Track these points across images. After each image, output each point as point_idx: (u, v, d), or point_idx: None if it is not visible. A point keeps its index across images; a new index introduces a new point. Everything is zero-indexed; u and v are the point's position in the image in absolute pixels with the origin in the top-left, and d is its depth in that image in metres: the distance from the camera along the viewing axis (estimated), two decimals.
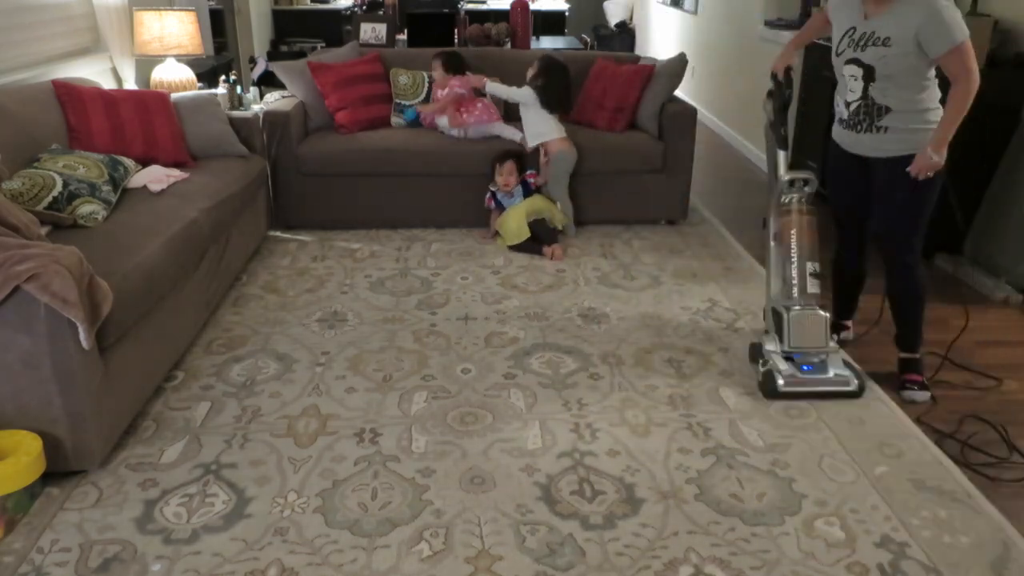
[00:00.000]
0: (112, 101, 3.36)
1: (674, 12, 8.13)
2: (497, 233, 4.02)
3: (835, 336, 2.99)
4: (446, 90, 4.18)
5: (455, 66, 4.25)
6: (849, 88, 2.57)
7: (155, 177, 3.13)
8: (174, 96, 3.62)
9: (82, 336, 2.02)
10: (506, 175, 3.89)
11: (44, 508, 2.09)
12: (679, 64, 4.18)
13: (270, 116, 3.93)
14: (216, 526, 2.02)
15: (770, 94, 2.80)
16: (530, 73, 4.02)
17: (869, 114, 2.54)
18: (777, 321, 2.65)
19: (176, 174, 3.23)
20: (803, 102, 5.09)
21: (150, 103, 3.44)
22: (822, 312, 2.60)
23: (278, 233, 4.13)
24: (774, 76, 2.81)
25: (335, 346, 2.96)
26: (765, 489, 2.18)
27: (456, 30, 6.54)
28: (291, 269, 3.68)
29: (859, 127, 2.59)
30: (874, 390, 2.66)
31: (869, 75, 2.48)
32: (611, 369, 2.81)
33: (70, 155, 2.91)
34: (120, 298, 2.22)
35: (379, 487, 2.17)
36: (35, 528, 2.02)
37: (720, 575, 1.89)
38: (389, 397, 2.62)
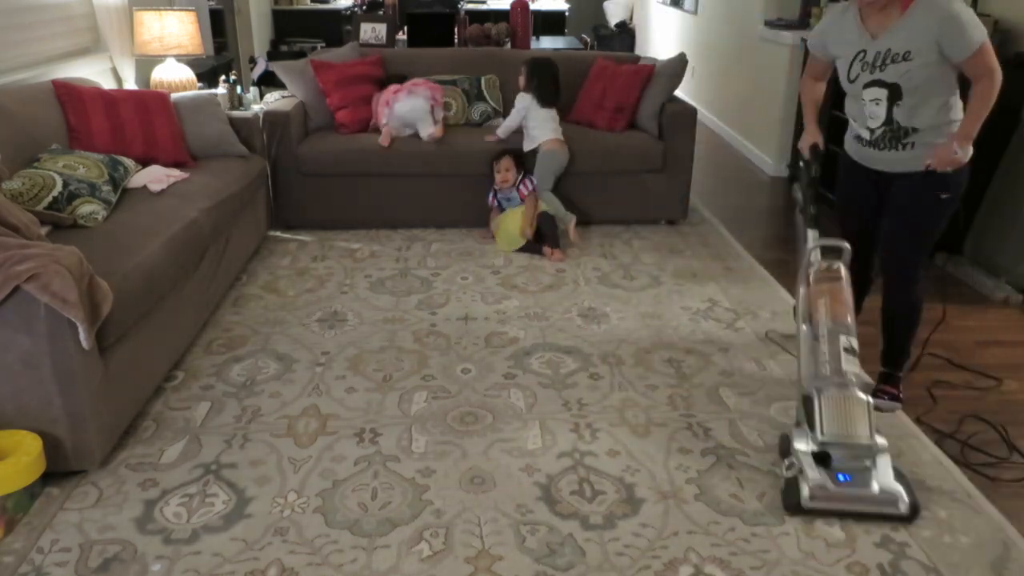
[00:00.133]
0: (112, 101, 3.36)
1: (674, 12, 8.13)
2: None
3: None
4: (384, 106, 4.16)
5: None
6: (869, 115, 2.44)
7: (155, 177, 3.14)
8: (174, 96, 3.62)
9: (82, 336, 2.02)
10: (503, 171, 3.89)
11: (44, 508, 2.09)
12: (679, 64, 4.18)
13: (270, 116, 3.93)
14: (216, 526, 2.02)
15: (798, 176, 2.63)
16: (522, 82, 4.08)
17: (896, 136, 2.43)
18: (807, 408, 2.16)
19: (176, 174, 3.23)
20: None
21: (150, 103, 3.44)
22: (862, 395, 2.10)
23: (278, 233, 4.13)
24: (801, 157, 2.68)
25: (335, 346, 2.96)
26: (765, 489, 2.18)
27: (456, 30, 6.54)
28: (291, 269, 3.68)
29: (881, 145, 2.47)
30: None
31: (895, 94, 2.36)
32: (611, 369, 2.81)
33: (70, 155, 2.91)
34: (120, 298, 2.22)
35: (379, 487, 2.17)
36: (35, 528, 2.02)
37: (720, 575, 1.89)
38: (389, 397, 2.62)
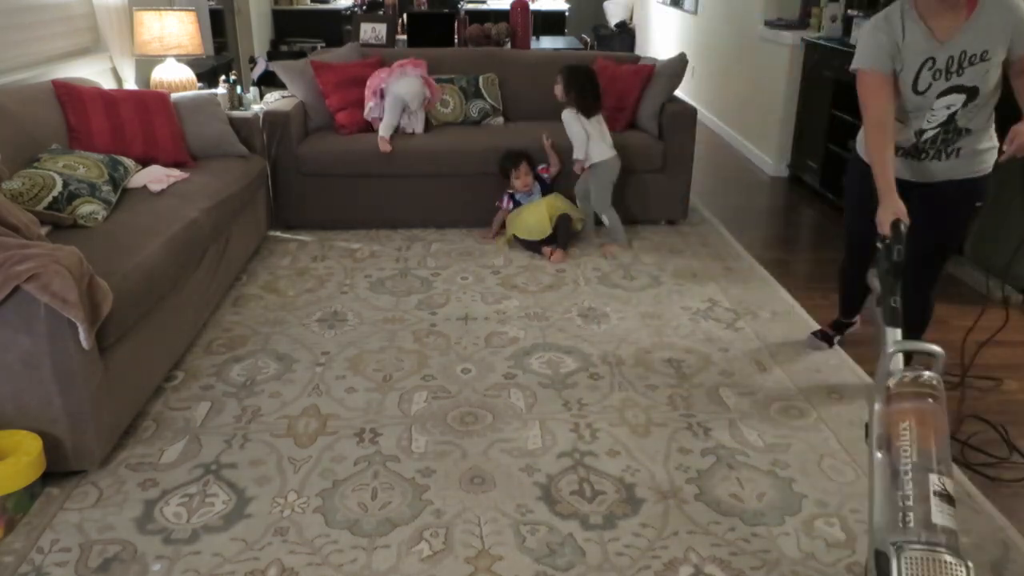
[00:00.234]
0: (112, 101, 3.36)
1: (674, 12, 8.13)
2: (500, 232, 4.01)
3: (839, 336, 3.00)
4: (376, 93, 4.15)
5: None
6: (927, 119, 2.32)
7: (155, 177, 3.14)
8: (174, 96, 3.62)
9: (82, 336, 2.02)
10: (523, 176, 3.88)
11: (44, 508, 2.09)
12: (679, 64, 4.18)
13: (270, 116, 3.93)
14: (216, 526, 2.02)
15: (876, 260, 2.13)
16: (559, 92, 3.86)
17: (947, 140, 2.34)
18: (882, 570, 1.57)
19: (176, 174, 3.23)
20: (803, 103, 5.10)
21: (150, 103, 3.44)
22: (958, 561, 1.48)
23: (278, 233, 4.13)
24: (880, 238, 2.15)
25: (335, 346, 2.96)
26: (765, 489, 2.18)
27: (456, 30, 6.55)
28: (291, 269, 3.68)
29: (926, 155, 2.39)
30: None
31: (972, 98, 2.25)
32: (611, 369, 2.81)
33: (70, 155, 2.91)
34: (120, 298, 2.22)
35: (379, 487, 2.17)
36: (35, 528, 2.02)
37: (720, 575, 1.89)
38: (389, 397, 2.62)
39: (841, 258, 2.91)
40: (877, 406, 1.76)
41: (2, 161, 2.61)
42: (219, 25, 6.35)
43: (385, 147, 3.98)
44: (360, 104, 4.18)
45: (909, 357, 1.91)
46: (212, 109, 3.65)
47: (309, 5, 7.78)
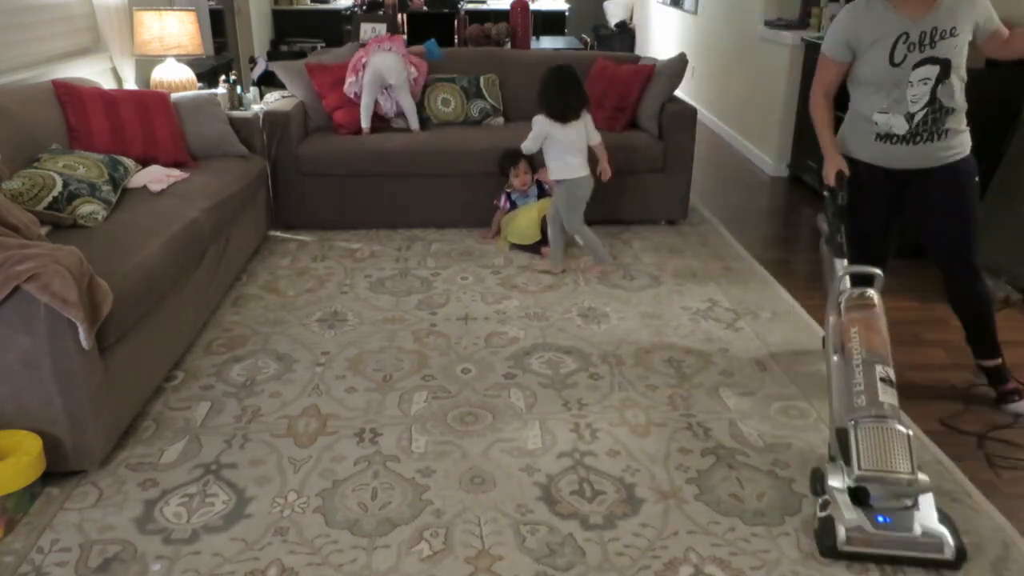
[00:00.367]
0: (112, 101, 3.36)
1: (674, 12, 8.13)
2: (499, 232, 4.01)
3: None
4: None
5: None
6: (912, 98, 2.45)
7: (155, 177, 3.14)
8: (174, 96, 3.62)
9: (82, 336, 2.02)
10: (522, 175, 3.88)
11: (44, 508, 2.09)
12: (679, 64, 4.18)
13: (270, 116, 3.93)
14: (216, 526, 2.02)
15: (823, 207, 2.53)
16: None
17: (937, 120, 2.46)
18: (842, 441, 2.00)
19: (176, 174, 3.23)
20: (803, 103, 5.09)
21: (150, 103, 3.44)
22: (901, 427, 1.95)
23: (278, 233, 4.13)
24: (826, 187, 2.57)
25: (335, 346, 2.96)
26: (765, 489, 2.18)
27: (456, 30, 6.55)
28: (291, 269, 3.68)
29: (920, 137, 2.48)
30: None
31: (945, 71, 2.41)
32: (611, 369, 2.81)
33: (70, 155, 2.91)
34: (120, 298, 2.22)
35: (379, 487, 2.17)
36: (35, 528, 2.02)
37: (720, 575, 1.89)
38: (389, 397, 2.62)
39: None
40: (831, 320, 2.22)
41: (2, 161, 2.61)
42: (219, 25, 6.35)
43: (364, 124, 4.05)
44: (356, 102, 4.18)
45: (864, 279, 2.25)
46: (212, 109, 3.65)
47: (309, 5, 7.78)
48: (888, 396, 2.00)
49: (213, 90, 4.26)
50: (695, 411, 2.55)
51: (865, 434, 1.94)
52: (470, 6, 8.03)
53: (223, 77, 4.66)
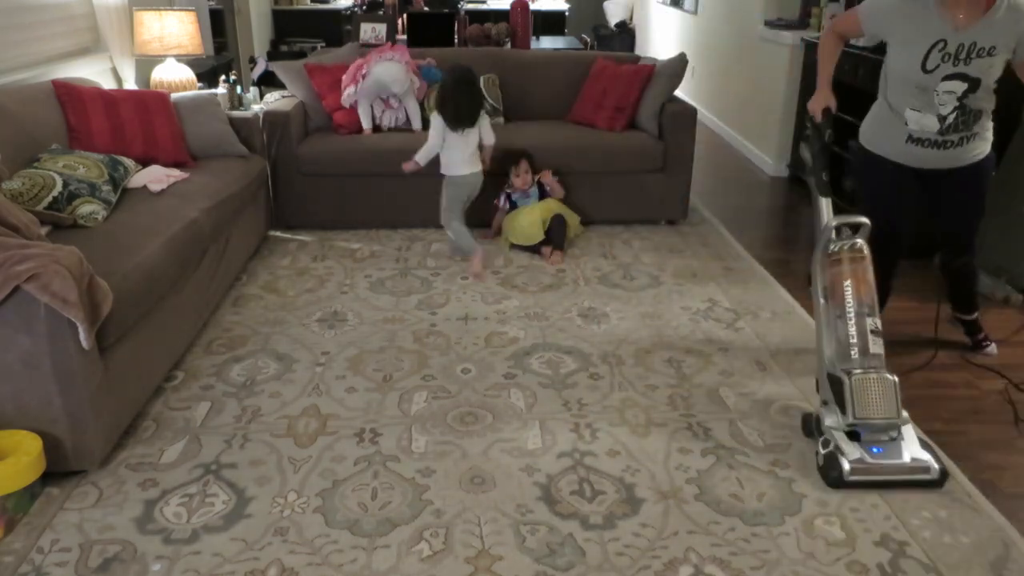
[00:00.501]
0: (112, 101, 3.36)
1: (674, 12, 8.13)
2: (499, 232, 4.01)
3: None
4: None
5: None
6: (938, 103, 2.48)
7: (155, 177, 3.14)
8: (174, 96, 3.62)
9: (82, 336, 2.02)
10: (523, 174, 3.88)
11: (44, 508, 2.09)
12: (679, 64, 4.18)
13: (270, 116, 3.93)
14: (216, 526, 2.02)
15: (806, 138, 2.60)
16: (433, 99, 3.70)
17: (966, 122, 2.50)
18: (836, 389, 2.23)
19: (176, 174, 3.23)
20: (803, 103, 5.09)
21: (150, 103, 3.44)
22: (889, 376, 2.19)
23: (278, 233, 4.13)
24: (811, 119, 2.62)
25: (335, 346, 2.96)
26: (765, 489, 2.18)
27: (456, 30, 6.55)
28: (291, 269, 3.68)
29: (949, 143, 2.53)
30: None
31: (973, 88, 2.42)
32: (611, 369, 2.81)
33: (70, 155, 2.91)
34: (120, 298, 2.22)
35: (379, 487, 2.17)
36: (35, 528, 2.02)
37: (720, 575, 1.89)
38: (389, 397, 2.62)
39: None
40: (820, 267, 2.37)
41: (2, 161, 2.61)
42: (219, 25, 6.35)
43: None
44: (354, 109, 4.18)
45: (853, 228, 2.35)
46: (212, 109, 3.65)
47: (309, 5, 7.78)
48: (877, 347, 2.23)
49: (213, 90, 4.26)
50: (695, 411, 2.55)
51: (858, 384, 2.18)
52: (470, 6, 8.03)
53: (223, 77, 4.66)
